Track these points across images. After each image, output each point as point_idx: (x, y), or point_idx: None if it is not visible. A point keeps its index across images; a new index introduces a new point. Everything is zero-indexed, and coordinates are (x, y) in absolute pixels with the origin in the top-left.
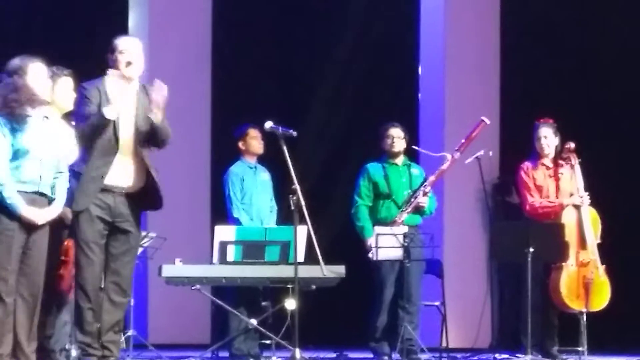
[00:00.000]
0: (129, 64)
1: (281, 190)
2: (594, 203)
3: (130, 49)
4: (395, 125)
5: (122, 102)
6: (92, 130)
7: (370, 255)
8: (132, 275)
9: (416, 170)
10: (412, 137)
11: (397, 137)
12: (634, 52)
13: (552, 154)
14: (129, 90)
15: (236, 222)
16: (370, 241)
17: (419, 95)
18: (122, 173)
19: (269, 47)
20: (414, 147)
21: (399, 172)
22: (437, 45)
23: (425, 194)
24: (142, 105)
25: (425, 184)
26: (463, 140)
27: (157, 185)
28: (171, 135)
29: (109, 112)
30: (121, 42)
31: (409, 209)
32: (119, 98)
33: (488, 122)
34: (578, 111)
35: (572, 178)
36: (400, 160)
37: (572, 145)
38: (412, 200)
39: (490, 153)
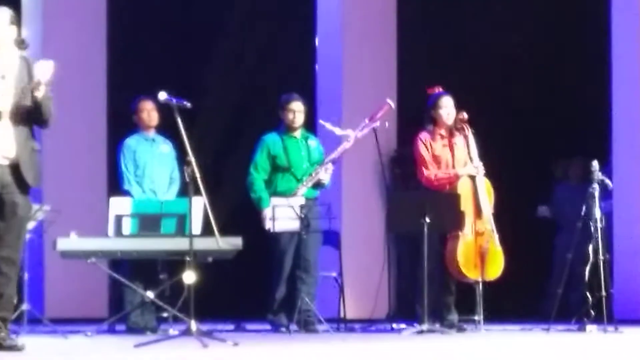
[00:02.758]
0: None
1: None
2: (486, 173)
3: None
4: (296, 98)
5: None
6: None
7: (267, 226)
8: (23, 246)
9: (313, 142)
10: (310, 108)
11: (298, 112)
12: (524, 20)
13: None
14: (5, 58)
15: (127, 194)
16: (267, 212)
17: (316, 66)
18: (4, 142)
19: (166, 19)
20: (321, 121)
21: (298, 145)
22: (334, 16)
23: (326, 170)
24: (22, 76)
25: (326, 160)
26: (367, 121)
27: (35, 160)
28: (54, 116)
29: None
30: None
31: (309, 184)
32: None
33: (393, 105)
34: (470, 82)
35: (466, 148)
36: (298, 133)
37: (465, 115)
38: (313, 175)
39: (387, 124)
